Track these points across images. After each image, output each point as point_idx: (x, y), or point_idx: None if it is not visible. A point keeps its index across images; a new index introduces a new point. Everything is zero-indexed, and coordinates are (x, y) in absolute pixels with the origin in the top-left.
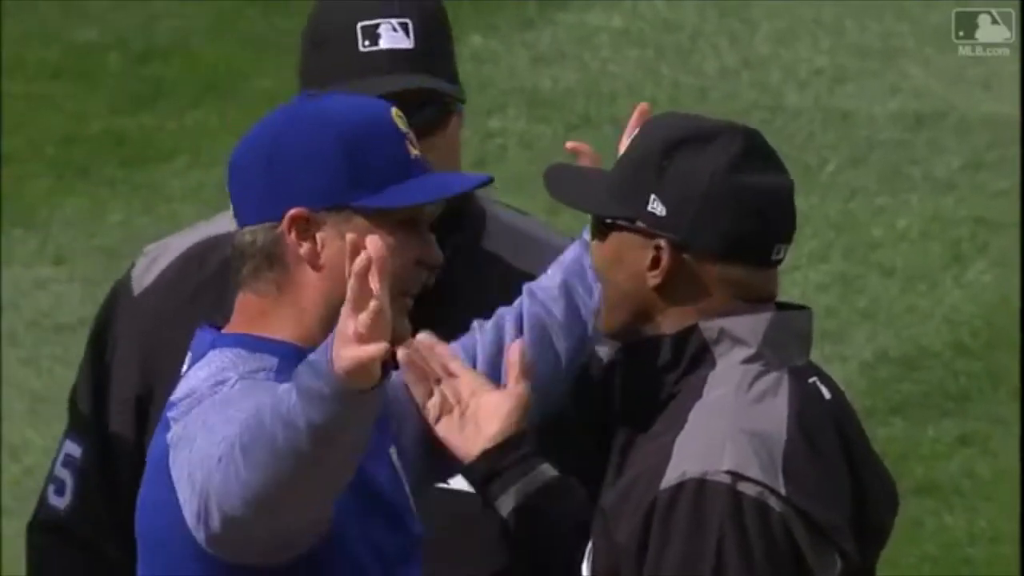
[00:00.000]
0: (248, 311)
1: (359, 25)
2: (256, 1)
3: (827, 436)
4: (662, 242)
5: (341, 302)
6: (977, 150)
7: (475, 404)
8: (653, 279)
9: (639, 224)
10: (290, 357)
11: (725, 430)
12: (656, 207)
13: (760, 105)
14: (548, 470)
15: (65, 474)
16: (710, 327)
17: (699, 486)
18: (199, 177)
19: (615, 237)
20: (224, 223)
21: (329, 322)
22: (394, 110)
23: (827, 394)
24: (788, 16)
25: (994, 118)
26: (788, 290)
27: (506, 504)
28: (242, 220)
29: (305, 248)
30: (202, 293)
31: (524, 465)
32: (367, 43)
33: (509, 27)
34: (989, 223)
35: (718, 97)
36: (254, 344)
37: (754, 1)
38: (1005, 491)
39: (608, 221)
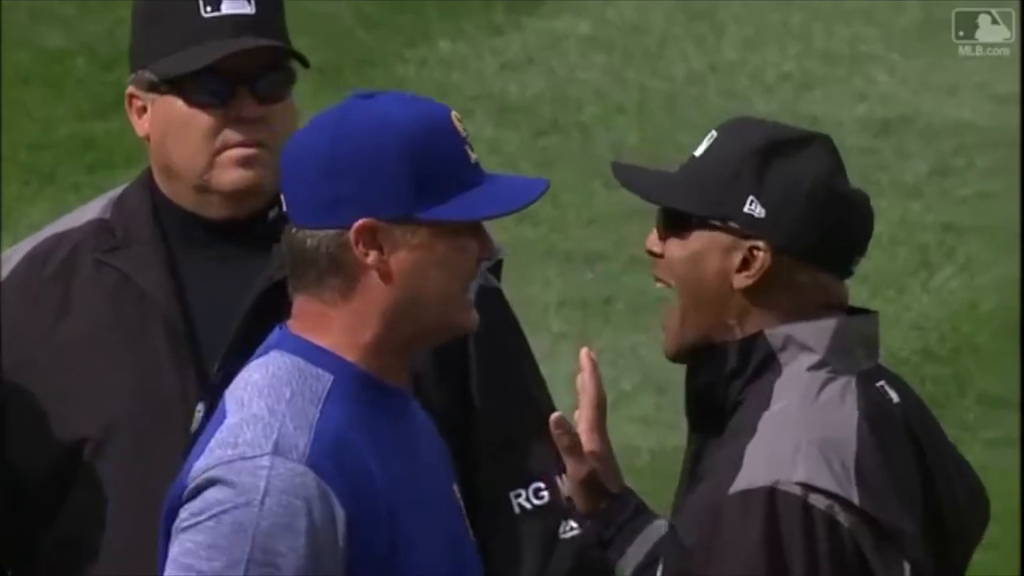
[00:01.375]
0: (310, 315)
1: None
2: None
3: (897, 441)
4: (760, 243)
5: (404, 311)
6: (944, 156)
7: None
8: (745, 280)
9: (731, 224)
10: (346, 375)
11: (796, 440)
12: (754, 208)
13: (727, 110)
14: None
15: None
16: (775, 334)
17: (770, 495)
18: None
19: (699, 236)
20: (66, 221)
21: (388, 331)
22: (454, 113)
23: (896, 398)
24: (755, 21)
25: (960, 124)
26: None
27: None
28: (298, 219)
29: (372, 258)
30: (46, 292)
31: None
32: (209, 9)
33: (477, 33)
34: (956, 229)
35: (685, 102)
36: (314, 355)
37: (721, 6)
38: None
39: (694, 219)
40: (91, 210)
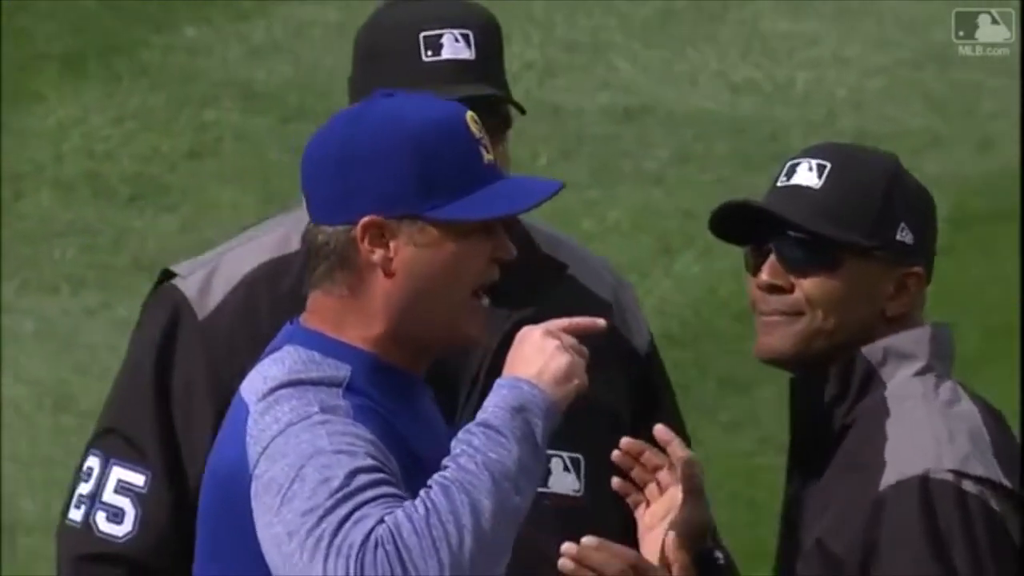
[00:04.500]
0: (321, 310)
1: (421, 35)
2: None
3: (1012, 438)
4: (916, 269)
5: (408, 308)
6: (684, 143)
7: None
8: (900, 307)
9: (882, 253)
10: (364, 365)
11: (936, 431)
12: (906, 236)
13: None
14: None
15: (124, 502)
16: (873, 349)
17: (923, 484)
18: None
19: (853, 267)
20: (265, 246)
21: (396, 327)
22: (469, 114)
23: None
24: (499, 11)
25: (700, 113)
26: None
27: None
28: (314, 216)
29: (378, 255)
30: (276, 315)
31: None
32: (429, 53)
33: (223, 19)
34: (696, 216)
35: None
36: (329, 347)
37: None
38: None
39: (838, 248)
40: (280, 236)
